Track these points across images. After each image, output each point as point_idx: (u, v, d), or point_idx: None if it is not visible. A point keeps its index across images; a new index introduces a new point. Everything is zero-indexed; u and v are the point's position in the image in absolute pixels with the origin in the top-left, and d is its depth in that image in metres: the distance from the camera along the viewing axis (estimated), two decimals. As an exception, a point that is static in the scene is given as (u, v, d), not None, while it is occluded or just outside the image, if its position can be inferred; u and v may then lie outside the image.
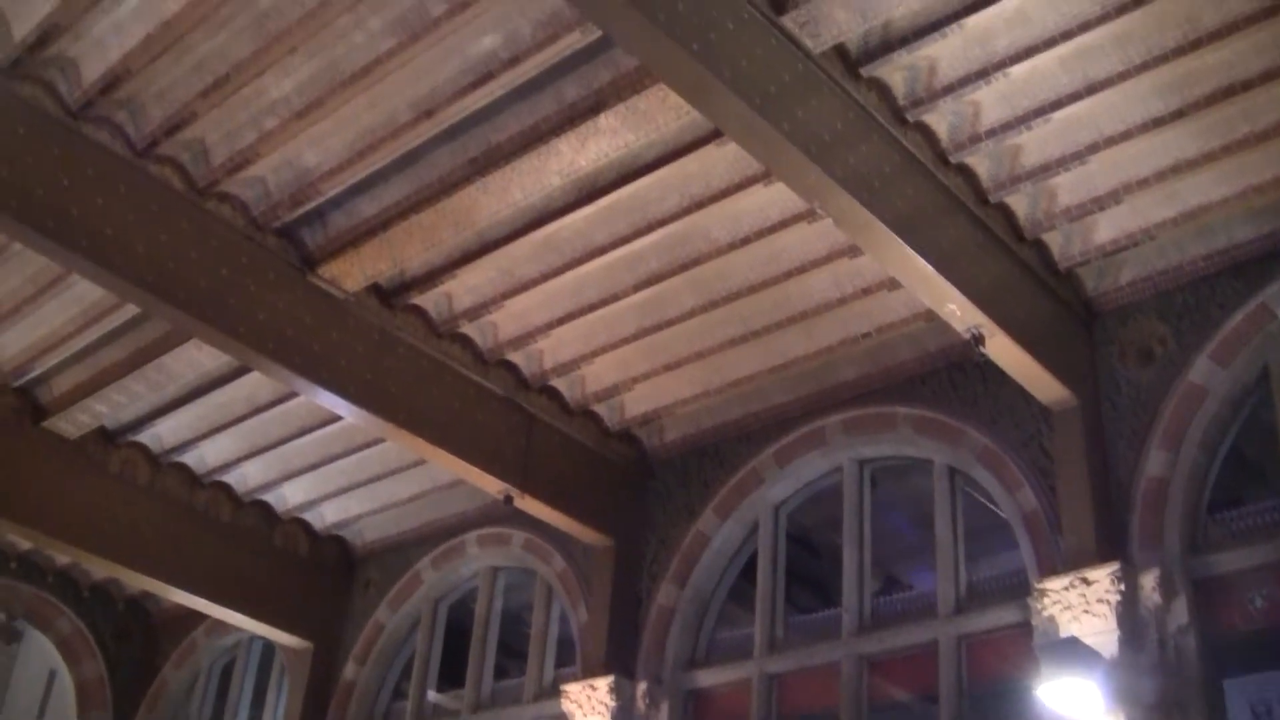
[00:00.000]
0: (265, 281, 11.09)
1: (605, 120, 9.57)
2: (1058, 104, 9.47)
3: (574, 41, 9.13)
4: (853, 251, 10.73)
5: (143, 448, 14.80)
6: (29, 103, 9.83)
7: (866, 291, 11.32)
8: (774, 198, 10.47)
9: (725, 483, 13.05)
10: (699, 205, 10.62)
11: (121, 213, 10.25)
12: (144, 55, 9.65)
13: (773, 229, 10.80)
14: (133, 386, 13.20)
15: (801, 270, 11.21)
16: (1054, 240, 10.70)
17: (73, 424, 13.97)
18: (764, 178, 10.15)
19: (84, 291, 11.90)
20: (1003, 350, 10.08)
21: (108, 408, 13.72)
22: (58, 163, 9.94)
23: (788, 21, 8.61)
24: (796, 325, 11.81)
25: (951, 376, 11.70)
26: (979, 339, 9.86)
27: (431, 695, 15.15)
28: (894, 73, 9.33)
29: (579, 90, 9.63)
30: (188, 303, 10.59)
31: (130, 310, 11.92)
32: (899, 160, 9.53)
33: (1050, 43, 8.98)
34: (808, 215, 10.47)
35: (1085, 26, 8.85)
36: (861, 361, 12.17)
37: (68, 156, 10.02)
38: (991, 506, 11.37)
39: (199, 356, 12.60)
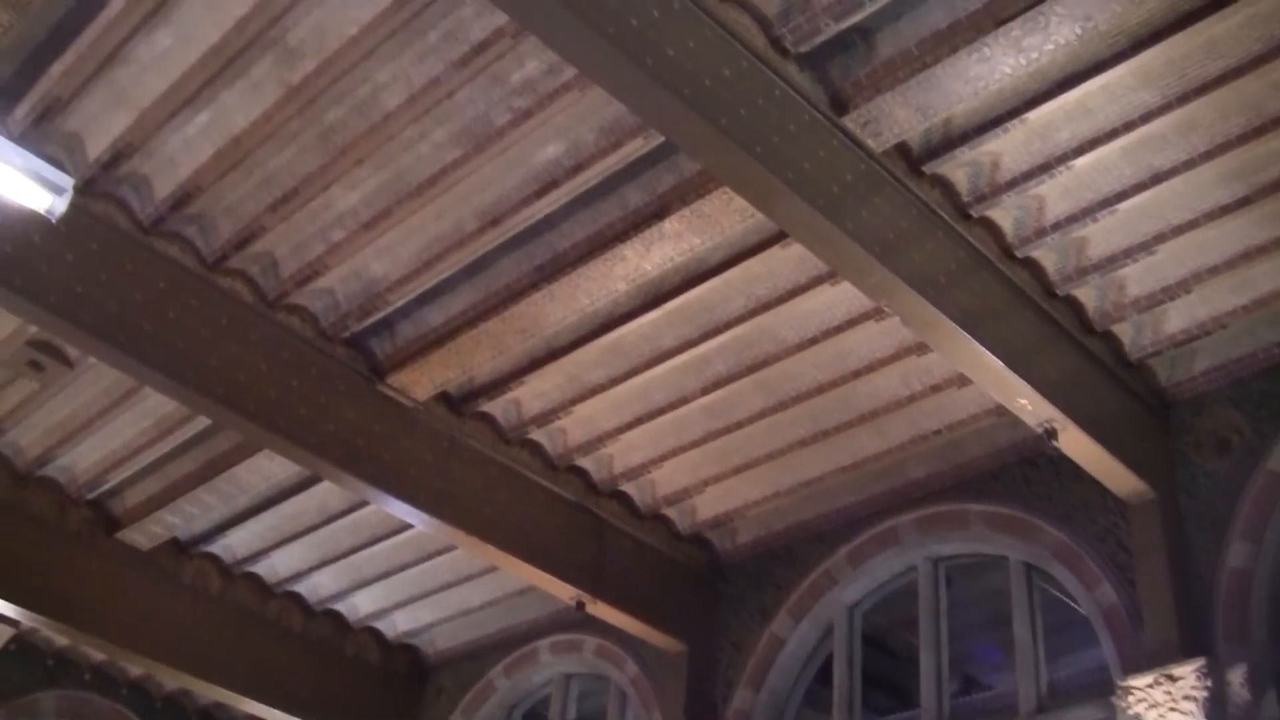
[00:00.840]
0: (335, 391, 11.15)
1: (670, 225, 9.58)
2: (1123, 195, 9.39)
3: (637, 148, 9.18)
4: (921, 349, 10.68)
5: (214, 558, 14.82)
6: (102, 220, 9.98)
7: (935, 389, 11.23)
8: (840, 297, 10.46)
9: (798, 585, 12.86)
10: (765, 307, 10.61)
11: (193, 326, 10.37)
12: (214, 171, 9.80)
13: (840, 328, 10.77)
14: (204, 498, 13.28)
15: (870, 369, 11.15)
16: (1124, 331, 10.58)
17: (145, 535, 14.05)
18: (830, 278, 10.14)
19: (156, 404, 12.04)
20: (1076, 444, 9.95)
21: (180, 519, 13.81)
22: (130, 278, 10.07)
23: (849, 122, 8.62)
24: (866, 424, 11.74)
25: (1024, 472, 11.53)
26: (1051, 434, 9.75)
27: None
28: (956, 169, 9.32)
29: (643, 196, 9.66)
30: (258, 414, 10.66)
31: (202, 422, 12.04)
32: (964, 256, 9.49)
33: (1112, 134, 8.93)
34: (875, 314, 10.44)
35: (1147, 117, 8.80)
36: (932, 459, 12.04)
37: (140, 271, 10.15)
38: (1070, 602, 11.17)
39: (270, 467, 12.68)
